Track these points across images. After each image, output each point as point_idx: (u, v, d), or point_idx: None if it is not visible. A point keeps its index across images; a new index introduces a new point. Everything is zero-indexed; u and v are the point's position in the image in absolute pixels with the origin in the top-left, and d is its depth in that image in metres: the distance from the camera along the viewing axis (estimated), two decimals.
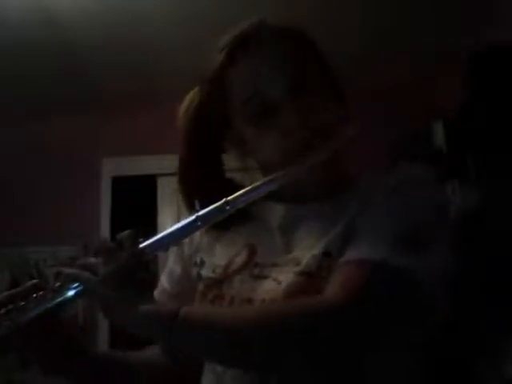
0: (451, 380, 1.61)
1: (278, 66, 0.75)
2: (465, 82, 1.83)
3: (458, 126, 1.93)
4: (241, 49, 0.76)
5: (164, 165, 2.66)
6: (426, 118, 2.12)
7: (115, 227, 2.80)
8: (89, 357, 0.79)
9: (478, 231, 1.65)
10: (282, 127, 0.73)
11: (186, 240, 0.87)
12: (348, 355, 0.63)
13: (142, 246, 0.70)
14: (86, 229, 2.78)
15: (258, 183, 0.72)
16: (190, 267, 0.86)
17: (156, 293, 0.87)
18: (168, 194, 2.83)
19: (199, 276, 0.82)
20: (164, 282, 0.90)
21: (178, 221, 0.74)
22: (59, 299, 0.69)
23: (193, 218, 0.70)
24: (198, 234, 0.86)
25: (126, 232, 0.71)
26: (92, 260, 0.70)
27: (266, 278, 0.74)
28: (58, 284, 0.69)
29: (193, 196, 0.79)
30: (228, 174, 0.85)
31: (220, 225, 0.81)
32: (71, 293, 0.68)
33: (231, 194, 0.71)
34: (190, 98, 0.85)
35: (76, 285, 0.68)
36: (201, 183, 0.82)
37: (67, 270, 0.69)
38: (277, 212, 0.81)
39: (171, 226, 0.73)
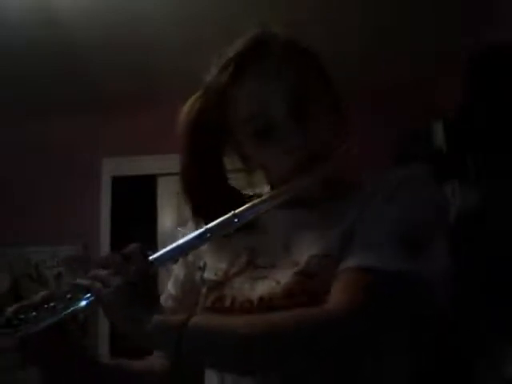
0: (451, 380, 1.61)
1: (279, 78, 0.74)
2: (465, 82, 1.83)
3: (458, 126, 1.93)
4: (245, 65, 0.76)
5: (164, 165, 2.66)
6: (426, 118, 2.12)
7: (115, 227, 2.80)
8: (90, 362, 0.79)
9: (478, 231, 1.65)
10: (283, 146, 0.74)
11: None
12: (351, 360, 0.65)
13: (151, 258, 0.71)
14: (86, 229, 2.78)
15: (264, 197, 0.73)
16: (194, 271, 0.87)
17: (162, 298, 0.89)
18: (168, 193, 2.83)
19: (202, 279, 0.83)
20: (170, 286, 0.91)
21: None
22: (70, 310, 0.70)
23: (202, 230, 0.72)
24: None
25: (134, 245, 0.72)
26: (103, 272, 0.70)
27: (264, 278, 0.75)
28: (68, 296, 0.70)
29: (195, 201, 0.80)
30: (228, 175, 0.85)
31: None
32: (82, 303, 0.70)
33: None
34: (191, 104, 0.85)
35: (87, 296, 0.69)
36: (202, 188, 0.82)
37: (80, 281, 0.70)
38: (276, 216, 0.81)
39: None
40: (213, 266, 0.83)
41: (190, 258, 0.88)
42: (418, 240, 0.66)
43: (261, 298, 0.72)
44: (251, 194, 0.83)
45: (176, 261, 0.74)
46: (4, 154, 2.87)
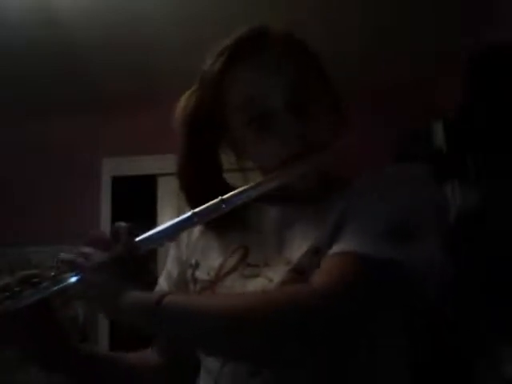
0: (451, 380, 1.61)
1: (279, 73, 0.74)
2: (465, 82, 1.83)
3: (458, 126, 1.93)
4: (242, 53, 0.76)
5: (164, 165, 2.66)
6: (426, 118, 2.12)
7: None
8: (81, 355, 0.80)
9: (478, 231, 1.65)
10: (280, 135, 0.73)
11: (184, 243, 0.89)
12: (336, 345, 0.63)
13: (137, 239, 0.72)
14: (86, 229, 2.77)
15: (252, 184, 0.73)
16: (187, 269, 0.86)
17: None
18: (168, 193, 2.83)
19: (194, 277, 0.83)
20: (162, 283, 0.91)
21: None
22: (55, 288, 0.70)
23: (189, 214, 0.72)
24: (194, 237, 0.88)
25: (123, 224, 0.73)
26: (87, 249, 0.71)
27: (257, 276, 0.75)
28: (52, 273, 0.70)
29: (192, 194, 0.80)
30: (225, 175, 0.85)
31: (215, 228, 0.83)
32: (67, 281, 0.70)
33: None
34: (186, 98, 0.85)
35: (71, 274, 0.69)
36: (198, 182, 0.83)
37: (64, 255, 0.71)
38: (269, 214, 0.81)
39: None
40: (205, 264, 0.82)
41: (184, 255, 0.88)
42: (409, 230, 0.65)
43: None
44: None
45: (162, 244, 0.75)
46: (4, 154, 2.87)
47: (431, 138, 2.05)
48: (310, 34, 0.81)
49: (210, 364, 0.76)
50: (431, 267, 0.66)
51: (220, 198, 0.71)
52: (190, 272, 0.85)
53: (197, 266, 0.84)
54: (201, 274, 0.82)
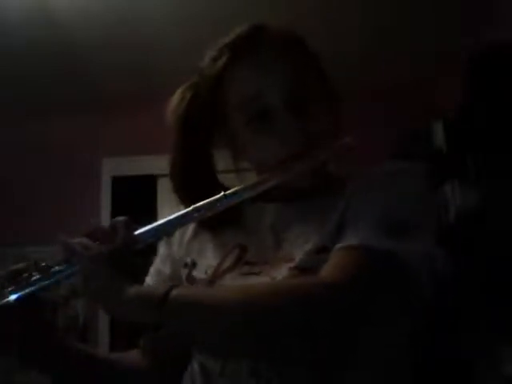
0: (451, 380, 1.61)
1: (278, 71, 0.74)
2: (465, 82, 1.83)
3: (458, 126, 1.93)
4: (240, 52, 0.76)
5: (164, 165, 2.61)
6: (426, 118, 2.12)
7: None
8: (69, 354, 0.78)
9: (478, 231, 1.65)
10: (279, 135, 0.73)
11: (176, 242, 0.88)
12: (338, 340, 0.63)
13: (135, 233, 0.72)
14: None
15: (253, 182, 0.74)
16: (180, 268, 0.85)
17: None
18: (168, 193, 2.80)
19: (191, 277, 0.82)
20: (150, 281, 0.88)
21: None
22: (48, 281, 0.69)
23: (189, 209, 0.72)
24: (188, 237, 0.87)
25: (121, 218, 0.72)
26: (85, 240, 0.71)
27: (257, 274, 0.74)
28: (43, 264, 0.70)
29: (186, 196, 0.80)
30: (220, 176, 0.85)
31: (210, 227, 0.82)
32: (63, 273, 0.69)
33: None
34: (181, 94, 0.84)
35: (66, 266, 0.69)
36: (192, 182, 0.83)
37: (66, 239, 0.70)
38: (267, 212, 0.81)
39: None
40: (203, 264, 0.81)
41: (177, 254, 0.86)
42: (403, 226, 0.66)
43: None
44: None
45: (160, 238, 0.74)
46: (4, 154, 2.87)
47: (431, 138, 2.05)
48: (310, 34, 0.81)
49: (209, 365, 0.74)
50: (426, 261, 0.67)
51: (222, 193, 0.71)
52: (185, 272, 0.83)
53: (193, 265, 0.83)
54: (198, 274, 0.81)
